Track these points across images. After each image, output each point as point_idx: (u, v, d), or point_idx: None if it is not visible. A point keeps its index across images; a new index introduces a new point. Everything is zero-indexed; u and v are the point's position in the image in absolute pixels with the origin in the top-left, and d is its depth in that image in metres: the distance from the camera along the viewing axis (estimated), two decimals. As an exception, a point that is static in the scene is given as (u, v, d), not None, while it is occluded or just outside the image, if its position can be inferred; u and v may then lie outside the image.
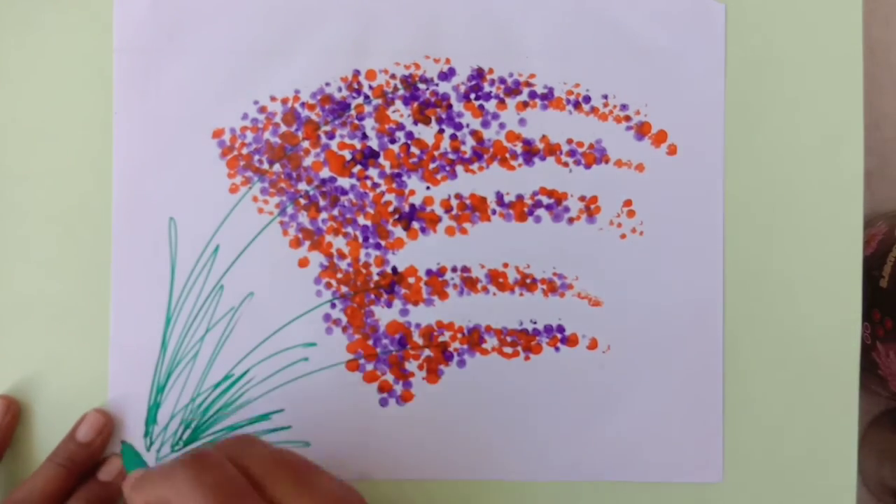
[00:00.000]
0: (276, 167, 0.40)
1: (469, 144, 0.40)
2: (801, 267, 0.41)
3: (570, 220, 0.40)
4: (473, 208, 0.41)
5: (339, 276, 0.40)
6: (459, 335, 0.40)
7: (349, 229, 0.40)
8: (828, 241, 0.41)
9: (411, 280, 0.40)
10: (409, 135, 0.40)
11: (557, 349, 0.40)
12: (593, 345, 0.40)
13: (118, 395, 0.40)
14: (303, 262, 0.40)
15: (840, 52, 0.41)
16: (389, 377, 0.40)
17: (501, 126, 0.41)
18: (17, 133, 0.40)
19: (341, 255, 0.40)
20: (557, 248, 0.40)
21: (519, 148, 0.41)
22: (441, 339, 0.40)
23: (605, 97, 0.41)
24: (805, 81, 0.41)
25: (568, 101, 0.41)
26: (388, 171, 0.40)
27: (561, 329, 0.40)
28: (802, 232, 0.41)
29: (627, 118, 0.41)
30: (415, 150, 0.40)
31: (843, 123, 0.41)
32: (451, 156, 0.40)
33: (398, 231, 0.40)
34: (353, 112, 0.40)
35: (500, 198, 0.41)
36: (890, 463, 0.45)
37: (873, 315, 0.42)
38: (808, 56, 0.41)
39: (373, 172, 0.40)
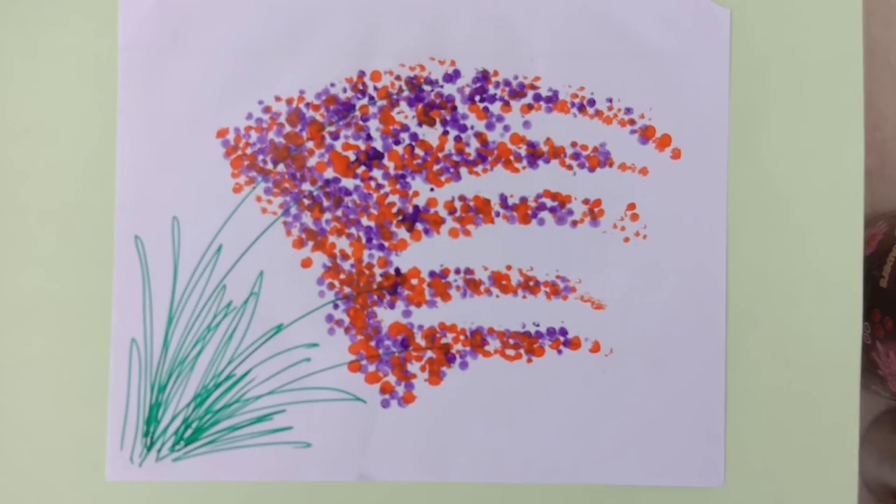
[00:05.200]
0: (280, 167, 0.40)
1: (473, 146, 0.40)
2: (803, 267, 0.41)
3: (574, 223, 0.40)
4: (477, 210, 0.40)
5: (342, 276, 0.40)
6: (462, 337, 0.40)
7: (353, 230, 0.40)
8: (828, 241, 0.41)
9: (414, 281, 0.40)
10: (414, 136, 0.40)
11: (560, 352, 0.40)
12: (596, 348, 0.40)
13: (119, 393, 0.40)
14: (306, 263, 0.40)
15: (840, 52, 0.41)
16: (391, 378, 0.40)
17: (506, 128, 0.40)
18: (21, 131, 0.40)
19: (344, 256, 0.40)
20: (561, 251, 0.40)
21: (523, 150, 0.41)
22: (444, 340, 0.40)
23: (610, 101, 0.41)
24: (806, 82, 0.41)
25: (572, 105, 0.41)
26: (392, 172, 0.40)
27: (564, 332, 0.40)
28: (803, 233, 0.41)
29: (632, 122, 0.41)
30: (419, 151, 0.40)
31: (843, 123, 0.41)
32: (455, 157, 0.40)
33: (402, 232, 0.40)
34: (357, 113, 0.40)
35: (503, 200, 0.40)
36: (890, 463, 0.45)
37: (873, 315, 0.42)
38: (808, 57, 0.41)
39: (377, 173, 0.40)
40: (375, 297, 0.40)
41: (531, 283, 0.40)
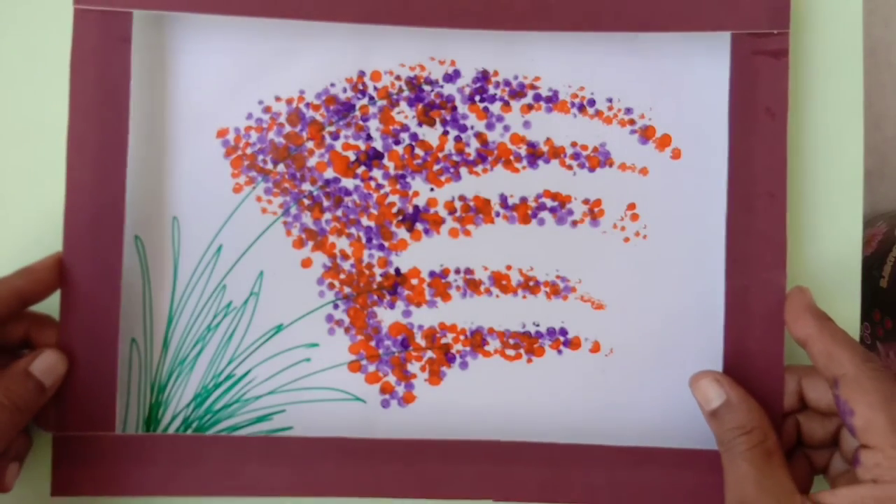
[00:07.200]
0: (281, 167, 0.40)
1: (473, 146, 0.40)
2: (803, 268, 0.41)
3: (574, 223, 0.40)
4: (477, 210, 0.40)
5: (342, 276, 0.40)
6: (462, 337, 0.40)
7: (353, 230, 0.40)
8: (828, 241, 0.41)
9: (414, 281, 0.40)
10: (414, 136, 0.40)
11: (560, 352, 0.40)
12: (596, 348, 0.40)
13: (120, 393, 0.40)
14: (306, 263, 0.40)
15: (840, 52, 0.41)
16: (391, 378, 0.40)
17: (506, 128, 0.40)
18: (21, 130, 0.40)
19: (344, 256, 0.40)
20: (561, 251, 0.40)
21: (523, 150, 0.40)
22: (444, 340, 0.40)
23: (610, 100, 0.41)
24: (806, 82, 0.41)
25: (572, 105, 0.41)
26: (392, 172, 0.40)
27: (563, 332, 0.40)
28: (803, 232, 0.41)
29: (632, 122, 0.41)
30: (419, 151, 0.40)
31: (843, 123, 0.41)
32: (455, 158, 0.40)
33: (402, 232, 0.40)
34: (357, 113, 0.40)
35: (503, 200, 0.40)
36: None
37: (873, 315, 0.42)
38: (808, 56, 0.41)
39: (377, 173, 0.40)
40: (375, 297, 0.40)
41: (531, 283, 0.40)
